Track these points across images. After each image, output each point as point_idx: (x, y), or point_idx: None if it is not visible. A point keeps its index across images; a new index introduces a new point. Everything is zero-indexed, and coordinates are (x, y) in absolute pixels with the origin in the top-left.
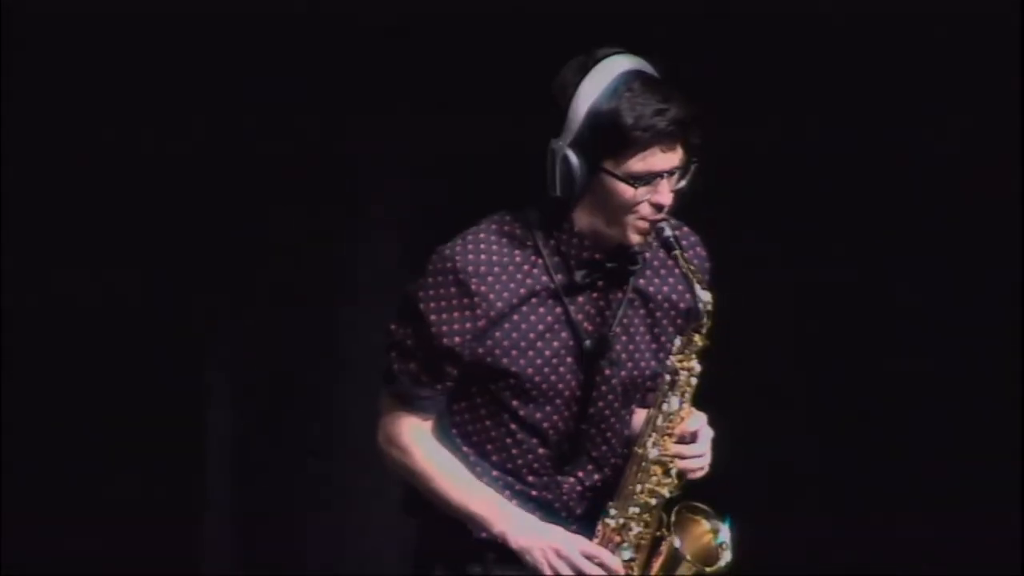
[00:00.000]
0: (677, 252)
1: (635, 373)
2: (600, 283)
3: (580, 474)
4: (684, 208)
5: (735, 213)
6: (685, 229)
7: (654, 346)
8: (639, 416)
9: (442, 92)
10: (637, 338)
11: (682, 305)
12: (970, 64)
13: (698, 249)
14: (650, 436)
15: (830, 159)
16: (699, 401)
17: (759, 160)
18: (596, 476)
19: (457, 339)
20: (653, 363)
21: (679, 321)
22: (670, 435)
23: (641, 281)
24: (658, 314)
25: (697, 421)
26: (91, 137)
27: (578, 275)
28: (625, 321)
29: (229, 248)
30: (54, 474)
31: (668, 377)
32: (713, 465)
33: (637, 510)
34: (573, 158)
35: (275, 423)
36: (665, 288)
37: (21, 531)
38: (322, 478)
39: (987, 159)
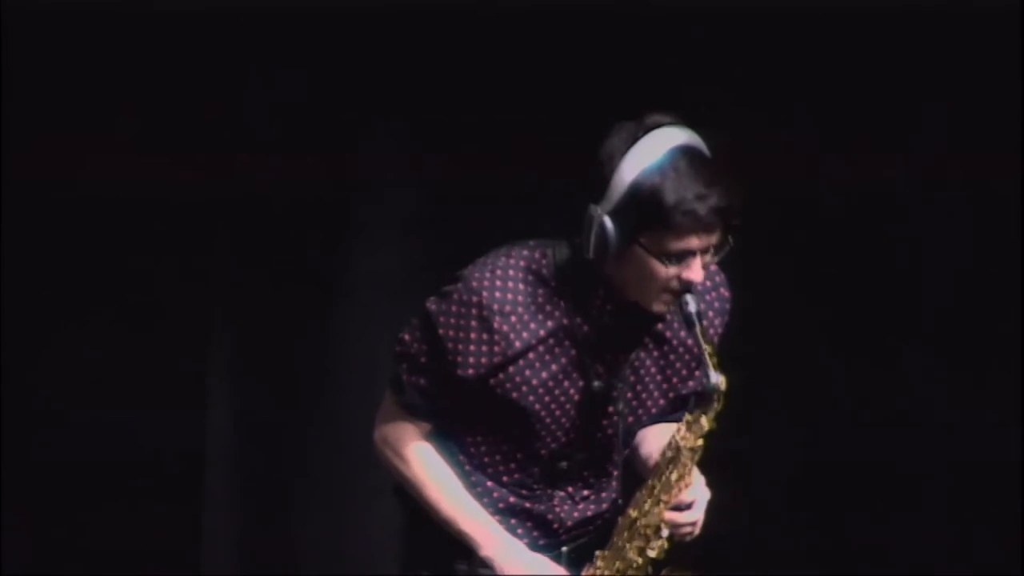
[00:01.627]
0: (697, 330)
1: (640, 412)
2: (618, 329)
3: (570, 489)
4: None
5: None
6: (712, 268)
7: (665, 386)
8: (649, 433)
9: (443, 91)
10: (647, 379)
11: (696, 349)
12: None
13: (722, 290)
14: (645, 502)
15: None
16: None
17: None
18: (586, 491)
19: (471, 371)
20: (661, 401)
21: (693, 364)
22: (666, 503)
23: (659, 325)
24: (671, 357)
25: (695, 491)
26: (89, 134)
27: (598, 320)
28: (636, 363)
29: (229, 248)
30: (54, 475)
31: (669, 454)
32: (704, 526)
33: (621, 565)
34: (610, 227)
35: (275, 423)
36: (682, 333)
37: (20, 531)
38: (322, 478)
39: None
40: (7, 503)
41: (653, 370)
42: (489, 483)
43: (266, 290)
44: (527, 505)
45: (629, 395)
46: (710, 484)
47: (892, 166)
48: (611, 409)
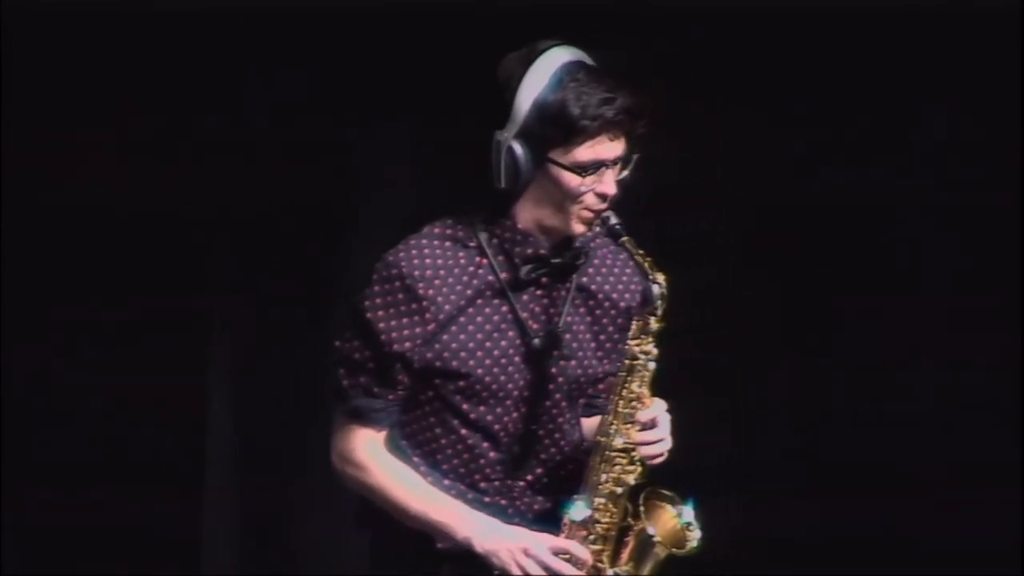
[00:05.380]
0: (625, 239)
1: (578, 372)
2: (544, 280)
3: (530, 478)
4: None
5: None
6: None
7: (594, 345)
8: (586, 425)
9: (443, 92)
10: (580, 337)
11: (622, 304)
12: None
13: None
14: (612, 424)
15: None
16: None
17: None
18: (546, 479)
19: (407, 344)
20: (595, 363)
21: (619, 320)
22: (632, 423)
23: (584, 279)
24: (598, 312)
25: (656, 408)
26: (88, 134)
27: (522, 271)
28: (569, 319)
29: (229, 247)
30: (54, 475)
31: (627, 362)
32: (673, 451)
33: (603, 501)
34: (519, 149)
35: (275, 422)
36: (607, 287)
37: (20, 531)
38: (322, 477)
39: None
40: (7, 503)
41: (583, 328)
42: (447, 480)
43: (266, 290)
44: (486, 500)
45: (568, 357)
46: (710, 487)
47: (892, 166)
48: (554, 370)
